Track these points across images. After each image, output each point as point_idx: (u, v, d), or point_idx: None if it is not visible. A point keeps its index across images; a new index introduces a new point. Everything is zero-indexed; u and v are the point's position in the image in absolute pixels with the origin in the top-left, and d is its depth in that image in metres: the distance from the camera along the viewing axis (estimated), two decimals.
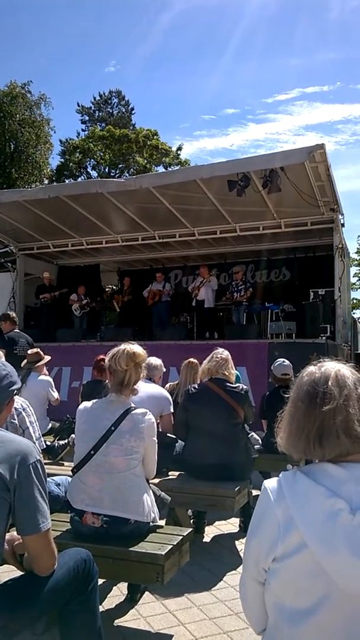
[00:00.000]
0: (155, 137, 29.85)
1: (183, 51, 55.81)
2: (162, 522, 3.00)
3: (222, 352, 4.05)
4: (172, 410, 4.25)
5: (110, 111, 34.24)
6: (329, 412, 1.27)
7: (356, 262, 26.27)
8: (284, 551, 1.26)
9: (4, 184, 24.74)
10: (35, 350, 5.66)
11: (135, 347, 2.75)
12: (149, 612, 2.91)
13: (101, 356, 5.41)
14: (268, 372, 6.48)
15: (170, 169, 26.53)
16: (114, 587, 3.16)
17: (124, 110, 34.18)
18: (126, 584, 3.07)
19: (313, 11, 52.54)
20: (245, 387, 4.02)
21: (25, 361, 5.57)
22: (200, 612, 2.92)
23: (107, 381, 2.83)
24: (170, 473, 3.96)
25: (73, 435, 3.91)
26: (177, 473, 3.97)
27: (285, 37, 57.14)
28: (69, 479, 2.88)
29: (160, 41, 53.04)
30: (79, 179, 28.81)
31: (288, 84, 72.81)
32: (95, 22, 51.09)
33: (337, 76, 62.80)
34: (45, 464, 2.01)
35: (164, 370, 4.68)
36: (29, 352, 5.61)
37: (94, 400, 2.77)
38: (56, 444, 4.59)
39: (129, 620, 2.83)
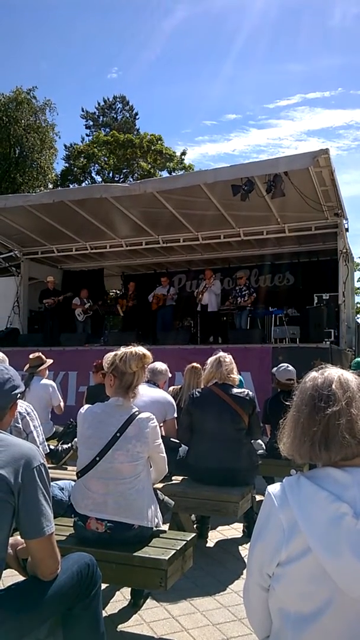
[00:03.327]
0: (159, 142, 29.92)
1: (184, 57, 56.21)
2: (165, 527, 2.99)
3: (226, 357, 4.03)
4: (175, 415, 4.24)
5: (115, 116, 34.36)
6: (333, 415, 1.28)
7: None
8: (288, 556, 1.26)
9: (9, 189, 24.82)
10: (37, 354, 5.67)
11: (143, 349, 2.73)
12: (152, 617, 2.90)
13: (102, 360, 5.43)
14: (272, 377, 6.47)
15: (174, 174, 26.60)
16: (117, 592, 3.15)
17: (128, 115, 34.30)
18: (129, 589, 3.07)
19: (314, 17, 52.89)
20: (251, 393, 4.00)
21: (27, 365, 5.58)
22: (203, 617, 2.90)
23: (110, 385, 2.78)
24: (173, 478, 3.95)
25: (77, 439, 3.91)
26: (180, 478, 3.97)
27: (286, 43, 57.47)
28: (73, 483, 2.88)
29: (162, 47, 53.44)
30: (84, 184, 28.90)
31: (290, 90, 73.35)
32: (97, 29, 51.49)
33: (338, 82, 63.28)
34: (49, 468, 2.01)
35: (170, 375, 4.67)
36: (31, 356, 5.62)
37: (98, 404, 2.75)
38: (60, 448, 4.59)
39: (132, 626, 2.82)
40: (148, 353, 2.73)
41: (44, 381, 5.55)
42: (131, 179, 28.90)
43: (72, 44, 51.59)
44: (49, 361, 5.66)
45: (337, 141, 49.70)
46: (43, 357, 5.64)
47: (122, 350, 2.72)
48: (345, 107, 58.24)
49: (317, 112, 53.67)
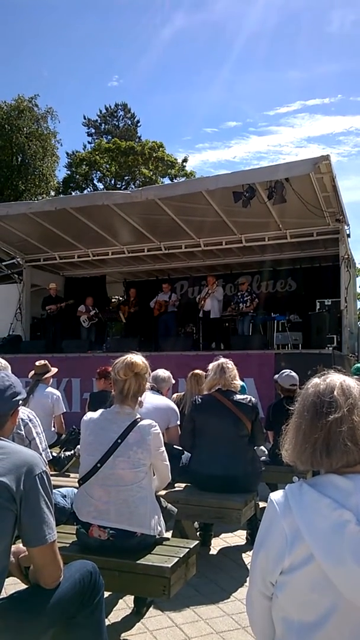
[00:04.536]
0: (160, 149, 30.06)
1: (184, 65, 56.60)
2: (168, 534, 2.99)
3: (228, 363, 4.03)
4: (178, 422, 4.23)
5: (116, 124, 34.55)
6: (334, 421, 1.28)
7: None
8: (291, 564, 1.25)
9: (11, 196, 24.93)
10: (43, 361, 5.67)
11: (135, 357, 2.73)
12: (155, 625, 2.88)
13: (104, 367, 5.45)
14: (275, 383, 6.45)
15: (175, 181, 26.68)
16: (120, 600, 3.14)
17: (129, 122, 34.48)
18: (132, 597, 3.05)
19: (313, 24, 53.28)
20: (253, 399, 4.00)
21: (32, 372, 5.59)
22: (207, 625, 2.89)
23: (112, 391, 2.83)
24: (176, 485, 3.94)
25: (79, 447, 3.90)
26: (183, 485, 3.96)
27: (286, 50, 57.99)
28: (75, 490, 2.87)
29: (161, 54, 53.77)
30: (85, 191, 29.02)
31: (289, 97, 73.92)
32: (97, 37, 51.90)
33: (338, 88, 63.65)
34: (51, 475, 2.01)
35: (173, 382, 4.66)
36: (37, 363, 5.63)
37: (100, 411, 2.76)
38: (62, 455, 4.59)
39: (135, 634, 2.80)
40: (139, 361, 2.72)
41: (49, 389, 5.56)
42: (133, 186, 29.01)
43: (73, 52, 52.06)
44: (54, 370, 5.67)
45: (337, 147, 49.98)
46: (49, 365, 5.65)
47: (121, 357, 2.75)
48: (345, 114, 58.71)
49: (317, 119, 54.03)
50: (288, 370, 5.18)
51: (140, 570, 2.47)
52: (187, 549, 2.64)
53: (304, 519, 1.24)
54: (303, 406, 1.35)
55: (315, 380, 1.39)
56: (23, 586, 1.95)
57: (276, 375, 5.32)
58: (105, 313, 12.42)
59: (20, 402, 2.00)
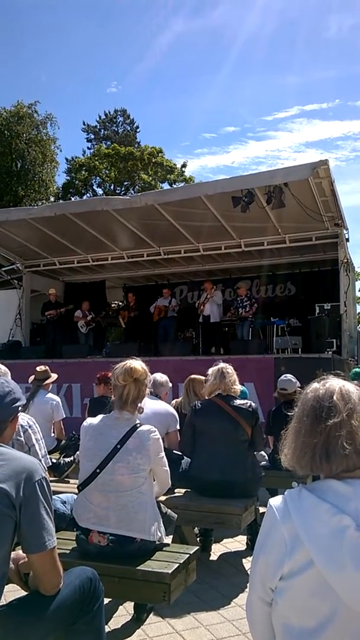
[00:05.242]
0: (160, 154, 30.16)
1: (182, 71, 57.00)
2: (168, 540, 2.97)
3: (228, 368, 4.02)
4: (178, 427, 4.22)
5: (116, 129, 34.66)
6: (334, 426, 1.28)
7: None
8: (290, 570, 1.25)
9: (11, 202, 24.98)
10: (44, 367, 5.67)
11: (135, 363, 2.74)
12: (156, 632, 2.87)
13: (104, 372, 5.45)
14: (274, 388, 6.45)
15: (174, 186, 26.76)
16: (120, 607, 3.13)
17: (129, 128, 34.60)
18: (132, 603, 3.04)
19: (311, 30, 53.66)
20: (253, 404, 3.99)
21: (33, 377, 5.58)
22: (207, 632, 2.88)
23: (112, 397, 2.83)
24: (176, 490, 3.92)
25: (79, 452, 3.89)
26: (183, 490, 3.94)
27: (283, 55, 58.36)
28: (75, 496, 2.87)
29: (159, 61, 54.03)
30: (85, 197, 29.06)
31: (287, 102, 74.17)
32: (95, 43, 52.19)
33: (335, 93, 64.11)
34: (51, 481, 2.01)
35: (170, 386, 4.65)
36: (37, 369, 5.62)
37: (100, 417, 2.76)
38: (62, 462, 4.57)
39: None
40: (138, 367, 2.72)
41: (49, 395, 5.55)
42: (132, 191, 29.09)
43: (71, 57, 52.32)
44: (54, 376, 5.67)
45: (335, 152, 50.21)
46: (49, 371, 5.64)
47: (121, 363, 2.75)
48: (342, 119, 59.04)
49: (314, 124, 54.28)
50: (287, 375, 5.19)
51: (140, 577, 2.47)
52: (187, 555, 2.63)
53: (304, 525, 1.24)
54: (302, 411, 1.36)
55: (315, 385, 1.39)
56: (23, 593, 1.94)
57: None
58: (105, 318, 12.43)
59: (20, 408, 2.00)
